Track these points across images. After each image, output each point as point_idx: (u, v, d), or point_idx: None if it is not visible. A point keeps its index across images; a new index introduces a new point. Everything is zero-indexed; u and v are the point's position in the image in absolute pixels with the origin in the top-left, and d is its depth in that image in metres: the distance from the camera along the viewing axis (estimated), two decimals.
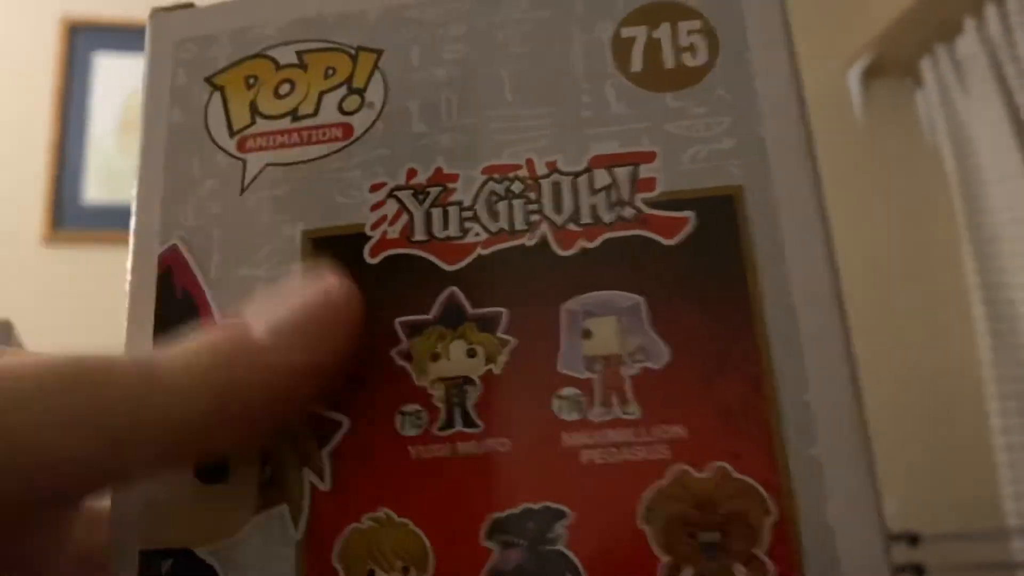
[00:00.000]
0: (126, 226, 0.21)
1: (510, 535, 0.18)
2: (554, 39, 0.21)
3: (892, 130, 1.59)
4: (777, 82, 0.20)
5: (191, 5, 0.23)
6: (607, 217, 0.20)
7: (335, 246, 0.20)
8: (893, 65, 1.59)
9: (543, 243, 0.20)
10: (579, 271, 0.19)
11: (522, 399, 0.19)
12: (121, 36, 1.59)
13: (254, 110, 0.22)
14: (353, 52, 0.22)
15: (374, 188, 0.20)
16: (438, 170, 0.20)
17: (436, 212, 0.20)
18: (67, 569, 0.21)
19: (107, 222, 1.49)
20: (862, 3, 1.60)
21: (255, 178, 0.21)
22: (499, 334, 0.19)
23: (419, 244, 0.20)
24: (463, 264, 0.20)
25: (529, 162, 0.20)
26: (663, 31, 0.21)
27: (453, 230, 0.20)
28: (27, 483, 0.16)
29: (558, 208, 0.20)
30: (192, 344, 0.18)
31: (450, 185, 0.20)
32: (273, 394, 0.18)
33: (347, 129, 0.21)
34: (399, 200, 0.20)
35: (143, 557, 0.19)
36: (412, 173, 0.20)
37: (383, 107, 0.21)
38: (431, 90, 0.21)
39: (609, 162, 0.20)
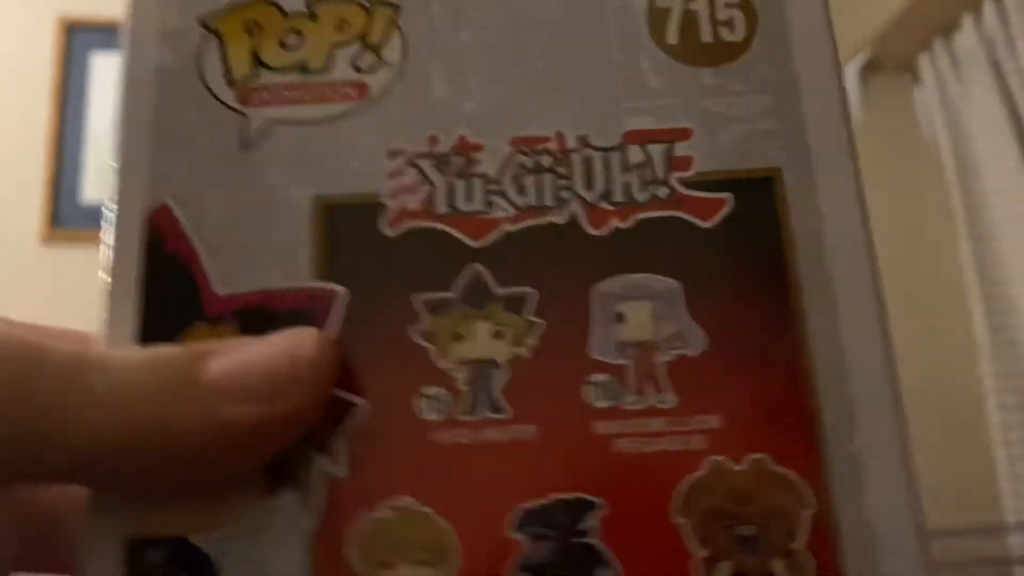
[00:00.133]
0: None
1: (539, 527, 0.17)
2: (587, 4, 0.20)
3: (890, 126, 1.59)
4: (817, 61, 0.19)
5: None
6: (641, 196, 0.19)
7: (349, 215, 0.19)
8: (891, 61, 1.59)
9: (573, 221, 0.19)
10: (611, 252, 0.18)
11: (551, 384, 0.18)
12: (119, 35, 1.55)
13: (256, 60, 0.20)
14: (367, 5, 0.20)
15: (392, 155, 0.19)
16: (462, 139, 0.19)
17: (460, 184, 0.19)
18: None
19: None
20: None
21: (258, 135, 0.19)
22: (527, 316, 0.18)
23: (441, 217, 0.19)
24: (488, 241, 0.18)
25: (559, 135, 0.19)
26: (700, 3, 0.20)
27: (478, 204, 0.19)
28: None
29: (589, 185, 0.19)
30: (138, 357, 0.16)
31: (474, 155, 0.19)
32: (205, 442, 0.16)
33: (362, 88, 0.19)
34: (419, 169, 0.19)
35: (129, 546, 0.17)
36: (433, 140, 0.19)
37: (401, 67, 0.20)
38: (455, 52, 0.20)
39: (643, 138, 0.19)
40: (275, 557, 0.17)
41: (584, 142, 0.19)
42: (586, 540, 0.17)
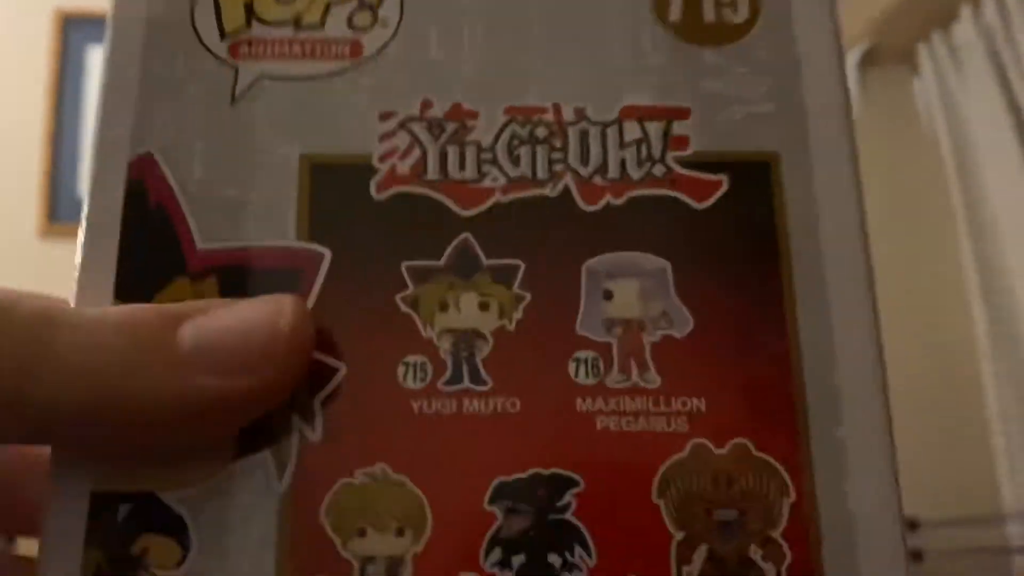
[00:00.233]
0: None
1: (516, 501, 0.17)
2: None
3: (889, 118, 1.58)
4: (820, 47, 0.19)
5: None
6: (636, 173, 0.18)
7: (338, 176, 0.18)
8: (890, 52, 1.57)
9: (566, 195, 0.18)
10: (603, 228, 0.18)
11: (536, 359, 0.17)
12: None
13: (250, 12, 0.19)
14: None
15: (384, 117, 0.19)
16: (456, 105, 0.19)
17: (452, 150, 0.18)
18: None
19: None
20: None
21: (248, 89, 0.19)
22: (515, 288, 0.18)
23: (432, 184, 0.18)
24: (479, 210, 0.18)
25: (556, 107, 0.19)
26: None
27: (470, 172, 0.18)
28: None
29: (584, 159, 0.19)
30: (110, 316, 0.16)
31: (469, 123, 0.19)
32: (173, 411, 0.16)
33: (356, 47, 0.19)
34: (411, 133, 0.19)
35: (94, 500, 0.16)
36: (427, 104, 0.19)
37: (398, 27, 0.19)
38: (453, 15, 0.19)
39: (641, 114, 0.19)
40: (246, 518, 0.16)
41: (581, 115, 0.19)
42: (563, 517, 0.17)
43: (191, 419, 0.15)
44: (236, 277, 0.18)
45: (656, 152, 0.19)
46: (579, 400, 0.17)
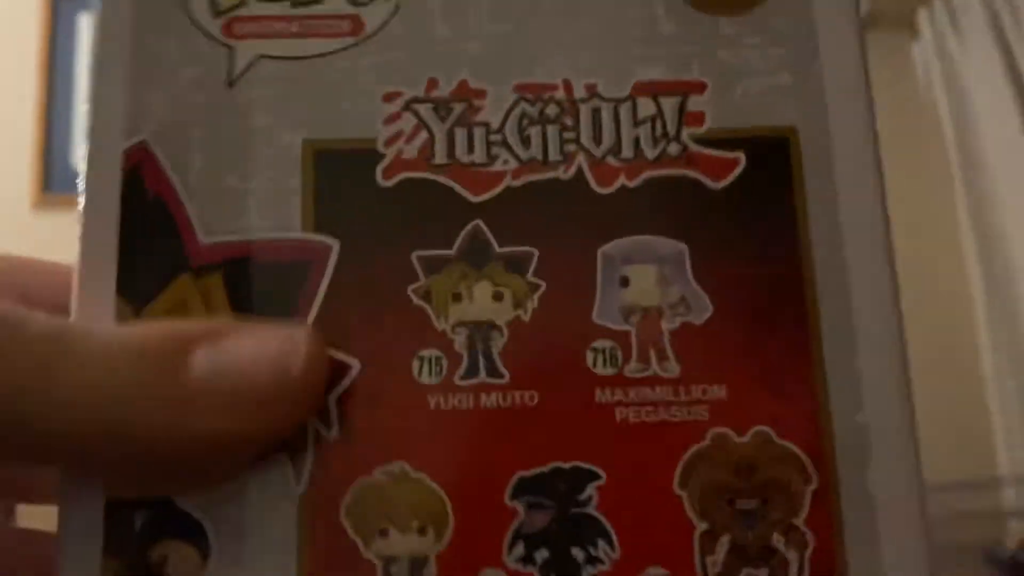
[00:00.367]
0: None
1: (537, 496, 0.17)
2: None
3: (888, 83, 1.54)
4: (837, 15, 0.18)
5: None
6: (650, 152, 0.18)
7: (342, 162, 0.18)
8: (889, 17, 1.55)
9: (579, 177, 0.18)
10: (618, 212, 0.18)
11: (553, 350, 0.17)
12: None
13: None
14: None
15: (388, 97, 0.18)
16: (463, 83, 0.18)
17: (460, 132, 0.18)
18: None
19: None
20: None
21: (246, 71, 0.18)
22: (529, 277, 0.17)
23: (440, 168, 0.18)
24: (490, 195, 0.18)
25: (567, 83, 0.18)
26: None
27: (479, 155, 0.18)
28: None
29: (597, 138, 0.18)
30: (123, 341, 0.15)
31: (476, 102, 0.18)
32: (175, 449, 0.15)
33: (357, 23, 0.18)
34: (417, 114, 0.18)
35: (109, 508, 0.16)
36: (433, 84, 0.18)
37: (400, 1, 0.18)
38: None
39: (655, 90, 0.18)
40: (266, 521, 0.16)
41: (592, 91, 0.18)
42: (584, 510, 0.17)
43: (195, 455, 0.15)
44: (242, 273, 0.17)
45: (671, 129, 0.18)
46: (598, 391, 0.17)
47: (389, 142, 0.18)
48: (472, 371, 0.17)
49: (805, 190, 0.18)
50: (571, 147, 0.18)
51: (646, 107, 0.18)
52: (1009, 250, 1.39)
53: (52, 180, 1.54)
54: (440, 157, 0.18)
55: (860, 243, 0.17)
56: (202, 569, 0.16)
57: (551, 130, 0.18)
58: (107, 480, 0.16)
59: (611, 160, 0.18)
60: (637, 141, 0.18)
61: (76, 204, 0.17)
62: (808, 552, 0.16)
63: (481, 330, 0.17)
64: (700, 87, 0.18)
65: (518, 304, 0.17)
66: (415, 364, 0.17)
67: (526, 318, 0.17)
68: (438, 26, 0.18)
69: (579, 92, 0.18)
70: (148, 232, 0.17)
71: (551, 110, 0.18)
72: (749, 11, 0.18)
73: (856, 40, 0.18)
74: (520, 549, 0.16)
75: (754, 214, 0.18)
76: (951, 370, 1.41)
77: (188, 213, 0.17)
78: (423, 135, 0.18)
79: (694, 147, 0.18)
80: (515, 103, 0.18)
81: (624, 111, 0.18)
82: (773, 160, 0.18)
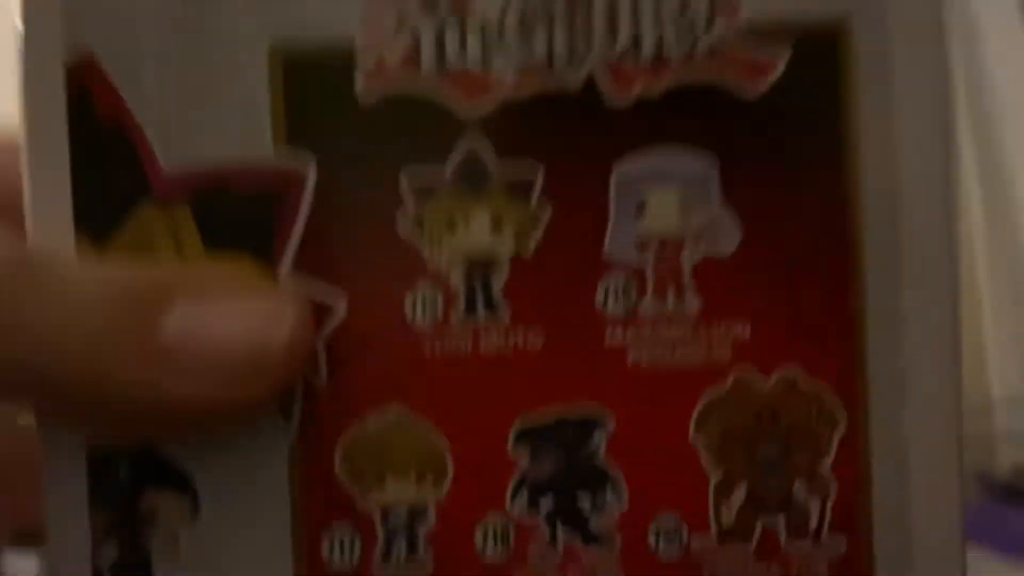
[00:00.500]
0: None
1: (541, 443, 0.16)
2: None
3: None
4: None
5: None
6: (675, 51, 0.15)
7: (316, 73, 0.15)
8: None
9: (591, 86, 0.15)
10: (635, 126, 0.15)
11: (559, 286, 0.15)
12: None
13: None
14: None
15: None
16: None
17: (451, 31, 0.15)
18: None
19: None
20: None
21: None
22: (532, 204, 0.15)
23: (428, 77, 0.15)
24: (486, 109, 0.15)
25: None
26: None
27: (473, 60, 0.15)
28: None
29: (612, 34, 0.15)
30: (98, 276, 0.14)
31: None
32: (141, 407, 0.14)
33: None
34: (399, 9, 0.15)
35: (92, 460, 0.15)
36: None
37: None
38: None
39: None
40: (255, 471, 0.15)
41: None
42: (592, 458, 0.15)
43: (168, 413, 0.14)
44: (212, 204, 0.15)
45: (700, 22, 0.15)
46: (608, 331, 0.15)
47: (368, 45, 0.15)
48: (470, 310, 0.15)
49: (858, 99, 0.15)
50: (582, 48, 0.15)
51: None
52: (1009, 163, 1.31)
53: None
54: (428, 62, 0.15)
55: (918, 167, 0.15)
56: (193, 519, 0.15)
57: (558, 26, 0.15)
58: (84, 426, 0.15)
59: (628, 63, 0.15)
60: (659, 40, 0.15)
61: None
62: (830, 501, 0.15)
63: (479, 264, 0.15)
64: None
65: (520, 235, 0.15)
66: (407, 303, 0.15)
67: (529, 250, 0.15)
68: None
69: None
70: (103, 162, 0.15)
71: (559, 2, 0.15)
72: None
73: None
74: (524, 497, 0.16)
75: (795, 126, 0.15)
76: None
77: (147, 137, 0.15)
78: (407, 35, 0.15)
79: (725, 44, 0.15)
80: None
81: (646, 1, 0.15)
82: (819, 61, 0.15)
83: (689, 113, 0.15)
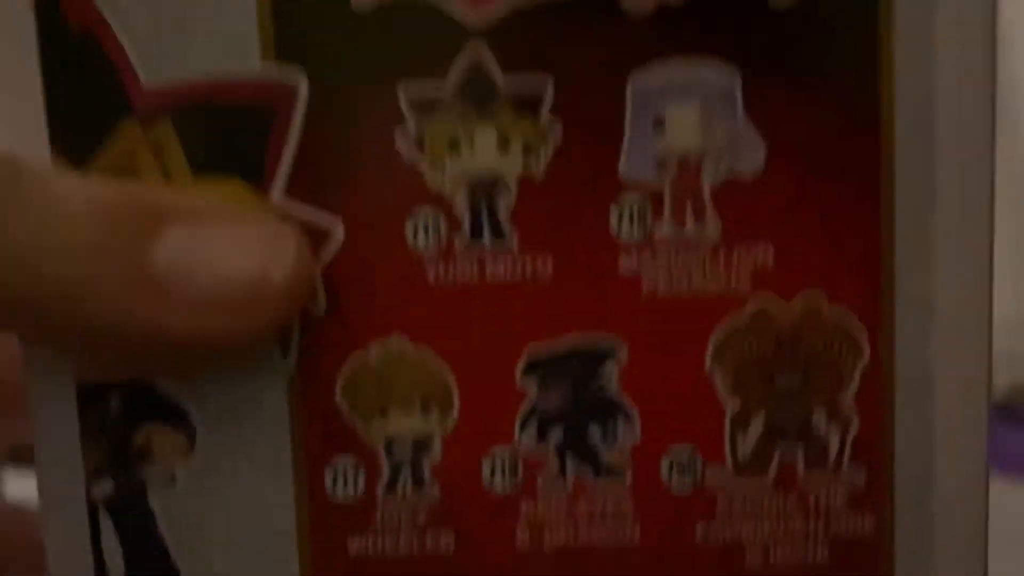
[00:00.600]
0: None
1: (551, 374, 0.15)
2: None
3: None
4: None
5: None
6: None
7: None
8: None
9: None
10: (653, 34, 0.14)
11: (570, 209, 0.14)
12: None
13: None
14: None
15: None
16: None
17: None
18: None
19: None
20: None
21: None
22: (541, 120, 0.14)
23: None
24: (492, 17, 0.14)
25: None
26: None
27: None
28: None
29: None
30: (84, 192, 0.13)
31: None
32: (130, 337, 0.13)
33: None
34: None
35: (81, 393, 0.15)
36: None
37: None
38: None
39: None
40: (253, 402, 0.15)
41: None
42: (604, 390, 0.15)
43: (159, 345, 0.13)
44: (196, 121, 0.14)
45: None
46: (622, 258, 0.15)
47: None
48: (476, 235, 0.14)
49: (893, 11, 0.14)
50: None
51: None
52: (1016, 65, 1.26)
53: None
54: None
55: (957, 85, 0.14)
56: (189, 452, 0.15)
57: None
58: (72, 356, 0.15)
59: None
60: None
61: None
62: (851, 433, 0.15)
63: (484, 186, 0.14)
64: None
65: (528, 153, 0.14)
66: (408, 228, 0.14)
67: (538, 171, 0.14)
68: None
69: None
70: (79, 77, 0.14)
71: None
72: None
73: None
74: (532, 429, 0.15)
75: (826, 35, 0.14)
76: None
77: (124, 49, 0.14)
78: None
79: None
80: None
81: None
82: None
83: (712, 22, 0.14)
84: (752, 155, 0.14)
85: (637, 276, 0.15)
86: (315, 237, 0.14)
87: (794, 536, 0.15)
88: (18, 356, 0.15)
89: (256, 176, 0.14)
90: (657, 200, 0.14)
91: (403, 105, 0.14)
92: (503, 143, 0.14)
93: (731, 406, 0.15)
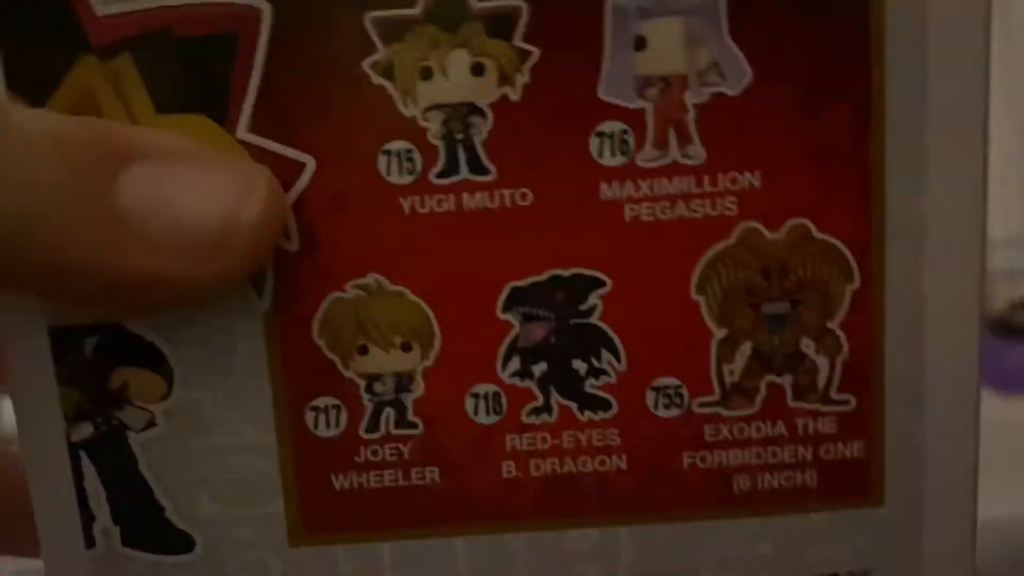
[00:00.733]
0: None
1: (533, 306, 0.14)
2: None
3: None
4: None
5: None
6: None
7: None
8: None
9: None
10: None
11: (548, 136, 0.14)
12: None
13: None
14: None
15: None
16: None
17: None
18: None
19: None
20: None
21: None
22: (516, 42, 0.14)
23: None
24: None
25: None
26: None
27: None
28: None
29: None
30: (40, 124, 0.12)
31: None
32: (93, 276, 0.12)
33: None
34: None
35: (54, 336, 0.15)
36: None
37: None
38: None
39: None
40: (230, 342, 0.15)
41: None
42: (587, 321, 0.15)
43: (125, 288, 0.13)
44: (156, 52, 0.14)
45: None
46: (604, 186, 0.14)
47: None
48: (451, 166, 0.14)
49: None
50: None
51: None
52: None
53: None
54: None
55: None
56: (167, 394, 0.15)
57: None
58: (41, 298, 0.14)
59: None
60: None
61: None
62: (841, 358, 0.15)
63: (459, 114, 0.14)
64: None
65: (504, 79, 0.14)
66: (381, 160, 0.14)
67: (514, 96, 0.14)
68: None
69: None
70: (31, 10, 0.13)
71: None
72: None
73: None
74: (516, 363, 0.15)
75: None
76: None
77: None
78: None
79: None
80: None
81: None
82: None
83: None
84: (737, 75, 0.14)
85: (619, 203, 0.14)
86: (284, 173, 0.14)
87: (783, 463, 0.15)
88: None
89: (220, 110, 0.14)
90: (639, 124, 0.14)
91: (371, 31, 0.14)
92: (477, 68, 0.14)
93: (718, 334, 0.15)
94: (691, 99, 0.14)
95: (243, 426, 0.15)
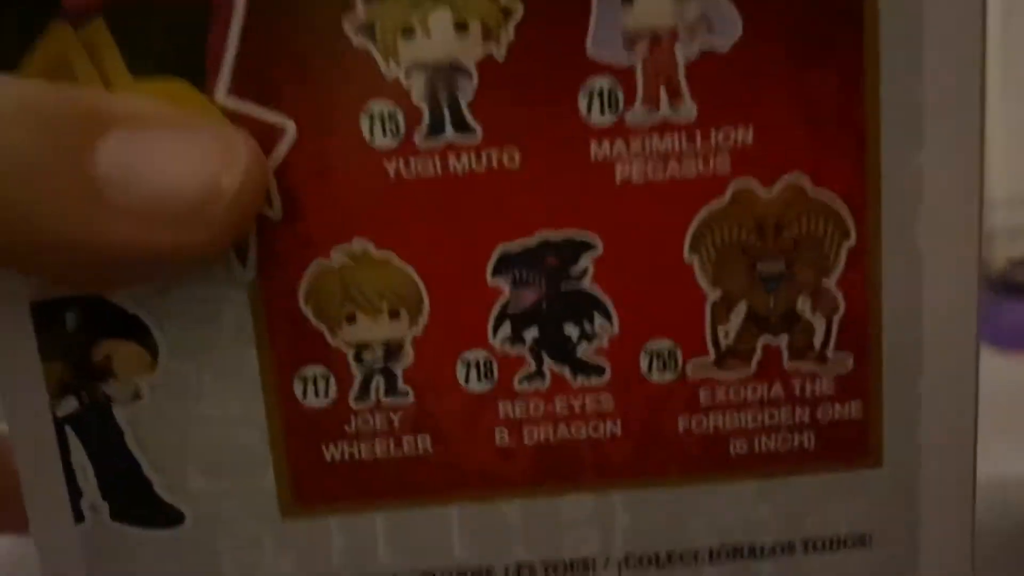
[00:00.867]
0: None
1: (523, 270, 0.14)
2: None
3: None
4: None
5: None
6: None
7: None
8: None
9: None
10: None
11: (535, 95, 0.13)
12: None
13: None
14: None
15: None
16: None
17: None
18: None
19: None
20: None
21: None
22: None
23: None
24: None
25: None
26: None
27: None
28: None
29: None
30: (14, 91, 0.12)
31: None
32: (70, 245, 0.12)
33: None
34: None
35: (36, 310, 0.14)
36: None
37: None
38: None
39: None
40: (214, 312, 0.14)
41: None
42: (578, 285, 0.14)
43: (103, 262, 0.12)
44: (132, 16, 0.13)
45: None
46: (593, 145, 0.14)
47: None
48: (436, 128, 0.14)
49: None
50: None
51: None
52: None
53: None
54: None
55: None
56: (153, 366, 0.14)
57: None
58: (18, 270, 0.14)
59: None
60: None
61: None
62: (837, 316, 0.14)
63: (443, 74, 0.13)
64: None
65: (488, 36, 0.13)
66: (364, 122, 0.14)
67: (500, 55, 0.13)
68: None
69: None
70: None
71: None
72: None
73: None
74: (507, 329, 0.14)
75: None
76: None
77: None
78: None
79: None
80: None
81: None
82: None
83: None
84: (728, 29, 0.13)
85: (610, 163, 0.14)
86: (265, 138, 0.14)
87: (779, 424, 0.15)
88: None
89: (199, 74, 0.13)
90: (628, 81, 0.13)
91: None
92: (460, 25, 0.13)
93: (712, 295, 0.14)
94: (681, 53, 0.13)
95: (230, 397, 0.14)
